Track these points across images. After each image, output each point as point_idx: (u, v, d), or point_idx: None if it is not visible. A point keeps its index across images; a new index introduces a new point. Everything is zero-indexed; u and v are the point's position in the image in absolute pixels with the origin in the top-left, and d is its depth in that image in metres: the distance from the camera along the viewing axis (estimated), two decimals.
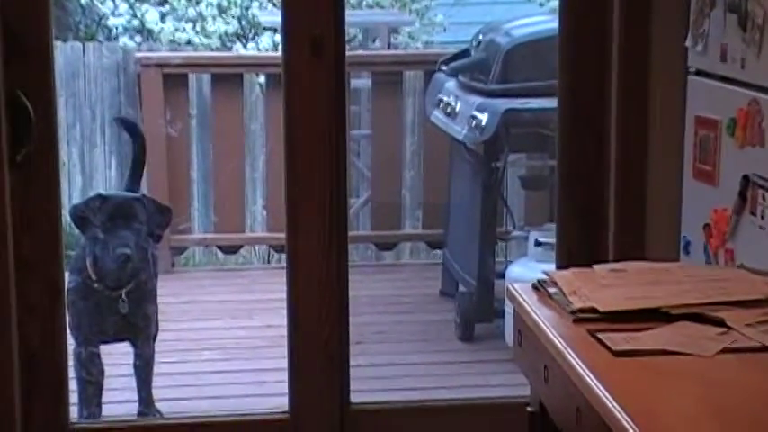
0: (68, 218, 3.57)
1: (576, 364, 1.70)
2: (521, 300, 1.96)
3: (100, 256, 3.49)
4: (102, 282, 3.51)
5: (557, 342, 1.79)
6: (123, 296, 3.51)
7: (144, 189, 5.72)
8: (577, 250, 3.13)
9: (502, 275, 4.34)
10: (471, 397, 3.59)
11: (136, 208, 3.53)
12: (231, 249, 5.55)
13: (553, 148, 3.50)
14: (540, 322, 1.87)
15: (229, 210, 5.43)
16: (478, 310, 4.43)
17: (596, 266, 2.06)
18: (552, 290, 1.95)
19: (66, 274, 3.43)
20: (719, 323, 1.80)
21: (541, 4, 7.20)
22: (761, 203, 2.46)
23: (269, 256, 5.82)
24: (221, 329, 4.65)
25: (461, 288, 4.58)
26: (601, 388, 1.61)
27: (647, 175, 3.03)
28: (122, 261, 3.46)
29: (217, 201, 5.53)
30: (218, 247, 5.58)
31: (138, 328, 3.61)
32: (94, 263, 3.50)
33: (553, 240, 3.47)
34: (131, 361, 3.68)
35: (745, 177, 2.52)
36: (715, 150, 2.67)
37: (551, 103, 3.46)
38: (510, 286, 2.02)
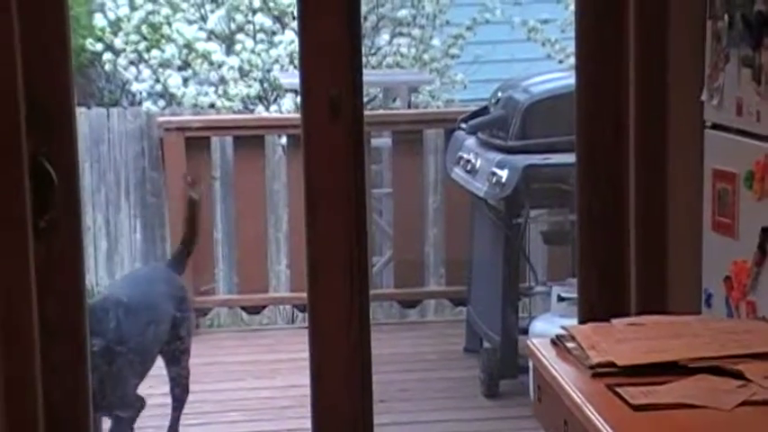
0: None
1: (594, 419, 1.70)
2: (539, 355, 1.97)
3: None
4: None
5: (575, 397, 1.79)
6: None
7: (167, 251, 5.78)
8: (599, 305, 3.13)
9: (525, 331, 4.34)
10: None
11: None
12: (255, 310, 5.57)
13: (573, 203, 3.51)
14: (559, 377, 1.87)
15: (253, 270, 5.45)
16: (503, 367, 4.42)
17: (615, 321, 2.06)
18: (571, 345, 1.95)
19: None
20: (738, 376, 1.80)
21: (560, 62, 7.25)
22: None
23: (293, 316, 5.83)
24: (246, 390, 4.66)
25: (485, 344, 4.58)
26: None
27: (666, 228, 3.03)
28: None
29: (240, 261, 5.56)
30: (242, 308, 5.60)
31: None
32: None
33: (576, 295, 3.47)
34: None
35: (764, 230, 2.52)
36: (733, 203, 2.67)
37: (571, 158, 3.47)
38: (529, 342, 2.03)
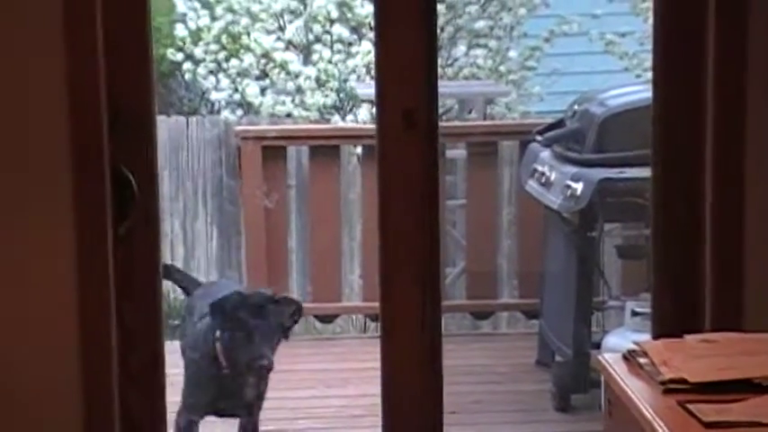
0: (208, 309, 3.75)
1: None
2: (610, 370, 1.96)
3: (235, 354, 3.66)
4: (234, 370, 3.68)
5: (646, 413, 1.78)
6: (250, 381, 3.67)
7: (242, 259, 5.84)
8: (672, 320, 3.10)
9: (598, 345, 4.32)
10: None
11: (272, 310, 3.70)
12: (328, 319, 5.60)
13: (648, 217, 3.48)
14: (630, 393, 1.87)
15: (326, 279, 5.49)
16: (575, 381, 4.40)
17: (687, 337, 2.05)
18: (642, 360, 1.95)
19: (179, 344, 3.62)
20: None
21: (638, 76, 7.20)
22: None
23: (365, 326, 5.86)
24: (317, 398, 4.69)
25: (558, 358, 4.56)
26: None
27: (743, 245, 3.00)
28: (259, 371, 3.66)
29: (313, 270, 5.60)
30: (315, 317, 5.63)
31: (253, 405, 3.74)
32: (227, 353, 3.66)
33: (649, 310, 3.44)
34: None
35: None
36: None
37: (646, 172, 3.45)
38: (600, 357, 2.03)
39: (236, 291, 3.90)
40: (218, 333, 3.73)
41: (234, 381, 3.71)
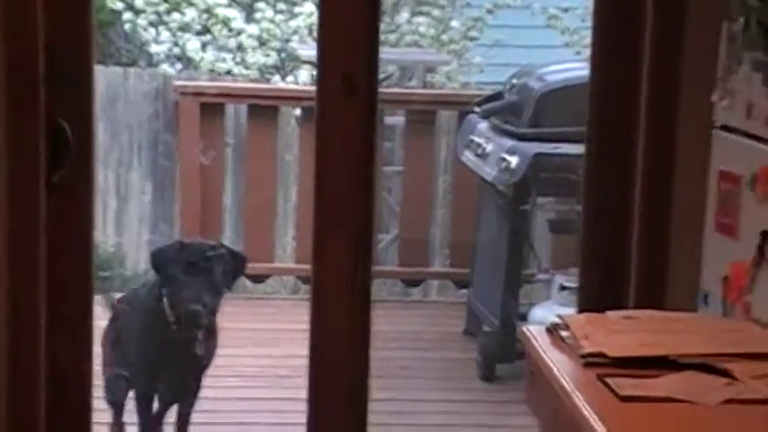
0: (149, 260, 3.73)
1: (582, 407, 1.74)
2: (533, 342, 2.01)
3: (177, 303, 3.64)
4: (179, 322, 3.65)
5: (566, 385, 1.83)
6: (200, 337, 3.66)
7: (176, 215, 5.82)
8: (598, 296, 3.16)
9: (525, 317, 4.38)
10: None
11: (214, 259, 3.68)
12: (259, 279, 5.61)
13: (580, 193, 3.53)
14: (551, 364, 1.91)
15: (259, 239, 5.49)
16: (501, 351, 4.46)
17: (609, 312, 2.10)
18: (565, 333, 1.99)
19: (125, 306, 3.65)
20: (726, 374, 1.84)
21: (578, 52, 7.25)
22: None
23: (296, 287, 5.88)
24: (246, 357, 4.70)
25: (485, 328, 4.62)
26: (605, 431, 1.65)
27: (670, 225, 3.06)
28: (200, 314, 3.62)
29: (247, 229, 5.60)
30: (247, 276, 5.64)
31: (203, 365, 3.74)
32: (172, 306, 3.64)
33: (577, 285, 3.50)
34: None
35: (765, 233, 2.55)
36: (737, 204, 2.70)
37: (581, 149, 3.50)
38: (524, 329, 2.07)
39: (177, 240, 3.89)
40: (160, 286, 3.72)
41: (185, 338, 3.67)
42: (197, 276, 3.64)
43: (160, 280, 3.70)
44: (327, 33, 3.04)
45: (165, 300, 3.68)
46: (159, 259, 3.74)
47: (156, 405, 3.73)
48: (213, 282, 3.66)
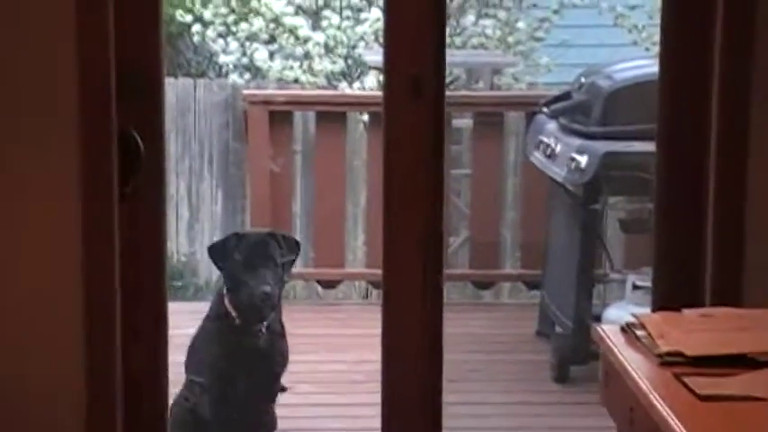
0: (207, 255, 3.77)
1: (660, 407, 1.72)
2: (608, 342, 1.98)
3: (239, 294, 3.67)
4: (243, 317, 3.66)
5: (642, 384, 1.80)
6: (263, 329, 3.66)
7: (247, 223, 5.86)
8: (673, 295, 3.12)
9: (599, 318, 4.34)
10: None
11: (270, 244, 3.68)
12: (330, 284, 5.63)
13: (652, 191, 3.50)
14: (627, 364, 1.88)
15: (330, 245, 5.51)
16: (574, 353, 4.43)
17: (685, 311, 2.07)
18: (640, 333, 1.96)
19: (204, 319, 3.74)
20: None
21: (647, 49, 7.18)
22: None
23: (368, 292, 5.88)
24: (318, 363, 4.72)
25: (558, 329, 4.59)
26: (684, 431, 1.62)
27: (744, 222, 3.02)
28: (262, 299, 3.63)
29: (317, 236, 5.62)
30: (318, 282, 5.66)
31: (279, 352, 3.72)
32: (233, 300, 3.66)
33: (650, 284, 3.46)
34: None
35: None
36: None
37: (652, 146, 3.47)
38: (598, 328, 2.04)
39: (233, 232, 3.94)
40: (223, 287, 3.74)
41: (249, 331, 3.68)
42: (256, 264, 3.66)
43: (221, 279, 3.73)
44: (393, 37, 3.05)
45: (226, 298, 3.70)
46: (217, 252, 3.76)
47: (231, 412, 3.75)
48: (273, 268, 3.68)
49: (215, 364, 3.69)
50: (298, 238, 5.74)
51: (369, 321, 4.71)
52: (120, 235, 2.92)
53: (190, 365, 3.76)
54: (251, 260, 3.68)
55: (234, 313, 3.68)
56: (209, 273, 6.04)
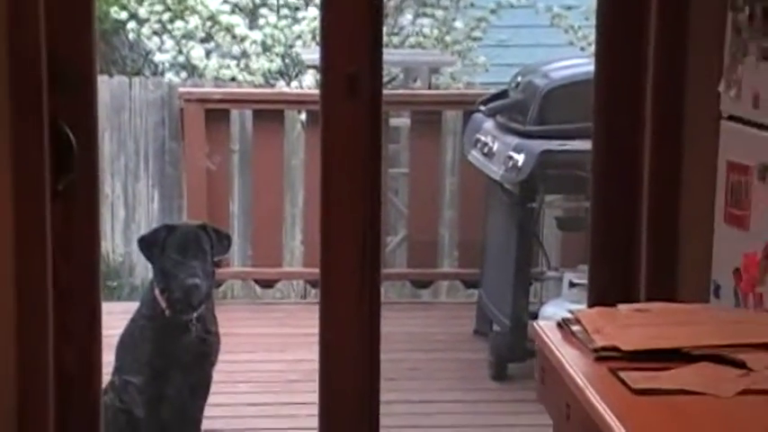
0: (137, 247, 3.74)
1: (596, 402, 1.72)
2: (544, 338, 1.99)
3: (170, 285, 3.64)
4: (173, 308, 3.64)
5: (578, 380, 1.81)
6: (194, 320, 3.65)
7: (183, 219, 5.81)
8: (609, 292, 3.14)
9: (536, 316, 4.36)
10: None
11: (201, 236, 3.67)
12: (268, 284, 5.60)
13: (589, 190, 3.52)
14: (563, 360, 1.89)
15: (267, 244, 5.48)
16: (512, 350, 4.44)
17: (621, 306, 2.08)
18: (576, 328, 1.97)
19: (134, 313, 3.69)
20: (740, 365, 1.82)
21: (582, 49, 7.24)
22: None
23: (306, 292, 5.87)
24: (255, 362, 4.69)
25: (495, 328, 4.60)
26: (620, 426, 1.63)
27: (679, 218, 3.05)
28: (192, 290, 3.61)
29: (255, 235, 5.59)
30: (256, 281, 5.63)
31: (212, 347, 3.72)
32: (164, 292, 3.64)
33: (587, 281, 3.48)
34: None
35: None
36: (747, 195, 2.68)
37: (588, 145, 3.49)
38: (534, 324, 2.05)
39: (163, 224, 3.91)
40: (154, 279, 3.70)
41: (180, 323, 3.65)
42: (187, 256, 3.64)
43: (152, 271, 3.70)
44: (330, 36, 3.04)
45: (157, 289, 3.67)
46: (147, 243, 3.74)
47: (165, 410, 3.71)
48: (203, 260, 3.66)
49: (149, 362, 3.65)
50: (235, 236, 5.73)
51: (306, 321, 4.68)
52: (53, 233, 2.88)
53: (122, 365, 3.71)
54: (181, 251, 3.65)
55: (164, 304, 3.65)
56: (146, 272, 5.98)
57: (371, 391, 3.14)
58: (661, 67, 3.01)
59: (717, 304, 2.76)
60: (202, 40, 7.14)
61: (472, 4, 7.56)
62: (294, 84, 7.07)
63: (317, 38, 5.57)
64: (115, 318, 3.79)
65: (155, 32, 7.15)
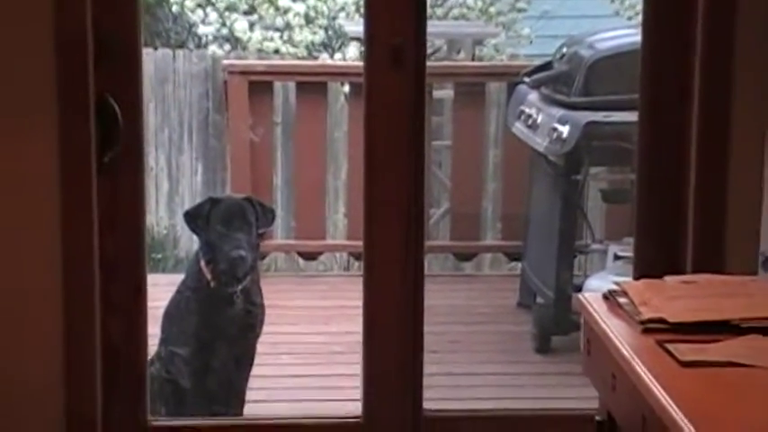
0: (183, 221, 3.77)
1: (642, 374, 1.71)
2: (590, 309, 1.98)
3: (215, 258, 3.67)
4: (218, 280, 3.66)
5: (624, 351, 1.80)
6: (239, 292, 3.68)
7: (227, 192, 5.84)
8: (655, 264, 3.12)
9: (580, 289, 4.34)
10: (543, 408, 3.59)
11: (246, 209, 3.70)
12: (311, 256, 5.61)
13: (634, 161, 3.49)
14: (609, 331, 1.88)
15: (310, 216, 5.49)
16: (555, 323, 4.43)
17: (667, 278, 2.06)
18: (622, 300, 1.96)
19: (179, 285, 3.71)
20: None
21: (630, 18, 7.16)
22: None
23: (348, 264, 5.87)
24: (299, 334, 4.71)
25: (539, 300, 4.59)
26: (666, 397, 1.62)
27: (726, 190, 3.02)
28: (237, 262, 3.63)
29: (298, 207, 5.60)
30: (299, 254, 5.64)
31: (256, 319, 3.75)
32: (209, 264, 3.67)
33: (632, 254, 3.46)
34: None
35: None
36: None
37: (633, 116, 3.46)
38: (580, 296, 2.04)
39: (208, 197, 3.95)
40: (199, 251, 3.73)
41: (224, 295, 3.67)
42: (232, 228, 3.66)
43: (198, 244, 3.73)
44: (374, 8, 3.02)
45: (202, 261, 3.70)
46: (192, 216, 3.77)
47: (210, 381, 3.73)
48: (248, 232, 3.68)
49: (195, 334, 3.68)
50: (278, 209, 5.75)
51: (350, 293, 4.70)
52: (98, 206, 2.90)
53: (168, 336, 3.74)
54: (226, 224, 3.68)
55: (209, 276, 3.68)
56: (191, 244, 6.01)
57: (414, 363, 3.15)
58: (710, 37, 2.97)
59: (765, 276, 2.74)
60: (246, 13, 7.14)
61: None
62: (337, 56, 7.05)
63: (361, 9, 5.55)
64: (160, 290, 3.81)
65: (198, 5, 7.15)
